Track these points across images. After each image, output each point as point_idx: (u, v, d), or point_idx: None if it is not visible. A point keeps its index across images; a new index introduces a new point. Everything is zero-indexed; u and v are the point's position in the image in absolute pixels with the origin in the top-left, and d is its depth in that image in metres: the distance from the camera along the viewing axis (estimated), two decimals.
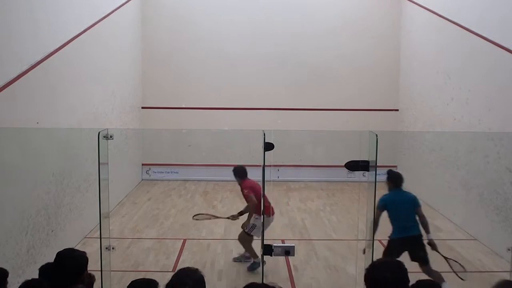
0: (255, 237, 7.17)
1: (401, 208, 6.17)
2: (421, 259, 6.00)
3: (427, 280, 3.24)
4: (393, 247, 6.12)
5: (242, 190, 7.28)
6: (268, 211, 7.05)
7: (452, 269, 5.99)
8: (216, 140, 13.59)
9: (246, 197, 7.23)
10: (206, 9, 13.48)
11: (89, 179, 8.46)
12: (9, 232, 5.84)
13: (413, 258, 5.93)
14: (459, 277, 5.96)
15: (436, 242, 6.15)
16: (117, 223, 9.42)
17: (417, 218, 6.17)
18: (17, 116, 6.29)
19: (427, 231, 6.09)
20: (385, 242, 8.27)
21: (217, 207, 10.85)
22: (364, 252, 5.30)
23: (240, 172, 7.29)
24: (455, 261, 6.08)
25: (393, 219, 6.19)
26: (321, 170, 13.28)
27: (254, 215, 7.15)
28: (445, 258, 6.05)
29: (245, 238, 7.25)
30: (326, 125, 13.11)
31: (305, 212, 10.54)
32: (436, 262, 6.95)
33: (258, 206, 7.00)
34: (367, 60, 13.49)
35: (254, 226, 7.12)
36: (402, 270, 2.77)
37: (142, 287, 3.32)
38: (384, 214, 6.24)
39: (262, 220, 6.87)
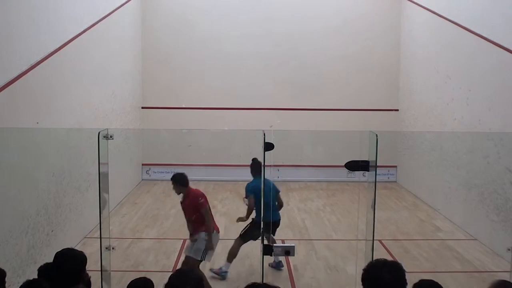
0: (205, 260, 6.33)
1: (267, 194, 6.59)
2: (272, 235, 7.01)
3: (429, 280, 3.24)
4: (256, 229, 6.75)
5: (193, 200, 6.19)
6: (216, 227, 6.42)
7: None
8: (216, 140, 13.59)
9: (201, 207, 6.18)
10: (206, 9, 13.48)
11: (89, 179, 8.45)
12: (9, 232, 5.83)
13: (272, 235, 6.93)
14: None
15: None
16: (117, 223, 9.42)
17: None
18: (17, 116, 6.28)
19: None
20: (385, 242, 8.30)
21: (217, 207, 10.84)
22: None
23: (186, 180, 6.26)
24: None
25: (259, 205, 6.71)
26: (321, 170, 13.28)
27: (203, 233, 6.19)
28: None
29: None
30: (326, 125, 13.11)
31: (305, 212, 10.54)
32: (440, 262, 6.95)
33: (212, 221, 6.36)
34: (367, 60, 13.49)
35: (206, 251, 6.22)
36: (400, 271, 2.75)
37: (139, 286, 3.34)
38: None
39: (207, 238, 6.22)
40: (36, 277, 3.51)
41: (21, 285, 3.22)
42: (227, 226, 9.39)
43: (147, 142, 13.69)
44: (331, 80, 13.54)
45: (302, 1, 13.50)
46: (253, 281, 2.89)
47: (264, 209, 6.58)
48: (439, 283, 3.10)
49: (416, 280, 3.10)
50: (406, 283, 2.77)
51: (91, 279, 3.70)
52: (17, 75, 6.25)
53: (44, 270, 3.56)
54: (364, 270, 2.79)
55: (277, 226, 7.16)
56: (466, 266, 7.44)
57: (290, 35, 13.46)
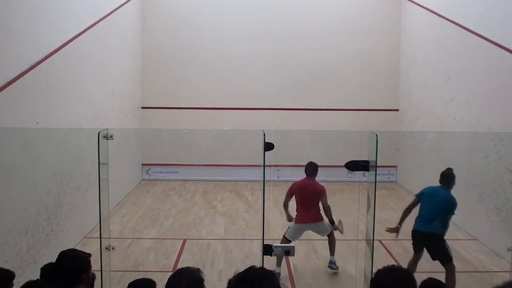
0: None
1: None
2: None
3: (434, 279, 3.24)
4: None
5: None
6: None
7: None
8: (216, 140, 13.59)
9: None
10: (206, 9, 13.48)
11: (89, 179, 8.45)
12: (9, 232, 5.83)
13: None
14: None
15: None
16: (117, 223, 9.42)
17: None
18: (17, 116, 6.28)
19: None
20: (385, 242, 8.30)
21: (217, 207, 10.84)
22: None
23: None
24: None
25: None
26: (321, 170, 13.14)
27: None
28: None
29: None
30: (326, 125, 13.11)
31: None
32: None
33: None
34: (367, 60, 13.49)
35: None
36: (405, 279, 2.60)
37: (140, 287, 3.33)
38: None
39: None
40: (36, 277, 3.53)
41: (21, 287, 3.23)
42: (227, 226, 9.41)
43: (147, 142, 13.69)
44: (331, 80, 13.54)
45: (302, 1, 13.49)
46: None
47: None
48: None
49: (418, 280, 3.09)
50: None
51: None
52: (17, 75, 6.25)
53: (46, 269, 3.59)
54: (372, 278, 2.71)
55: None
56: (466, 266, 7.43)
57: (290, 35, 13.46)
